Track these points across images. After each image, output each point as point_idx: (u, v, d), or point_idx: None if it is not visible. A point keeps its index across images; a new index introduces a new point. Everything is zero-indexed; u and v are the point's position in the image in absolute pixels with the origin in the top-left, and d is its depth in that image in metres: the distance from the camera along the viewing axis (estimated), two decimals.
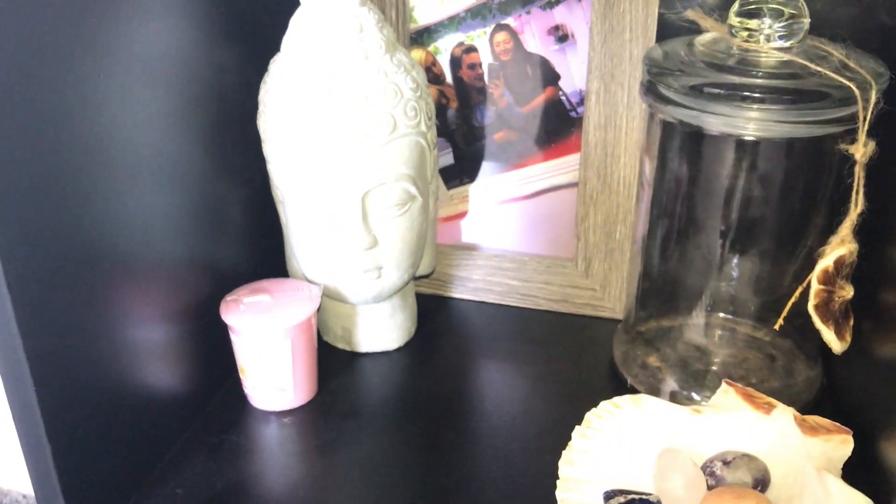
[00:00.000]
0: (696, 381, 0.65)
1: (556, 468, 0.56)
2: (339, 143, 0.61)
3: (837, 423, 0.56)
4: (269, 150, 0.65)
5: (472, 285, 0.79)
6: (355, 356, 0.72)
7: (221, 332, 0.64)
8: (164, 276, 0.60)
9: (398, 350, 0.73)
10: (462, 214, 0.79)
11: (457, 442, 0.63)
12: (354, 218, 0.63)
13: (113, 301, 0.54)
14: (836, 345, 0.58)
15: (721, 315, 0.68)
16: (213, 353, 0.65)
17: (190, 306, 0.63)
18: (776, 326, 0.58)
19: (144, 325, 0.58)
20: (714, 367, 0.66)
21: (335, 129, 0.60)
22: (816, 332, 0.58)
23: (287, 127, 0.62)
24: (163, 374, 0.61)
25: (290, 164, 0.63)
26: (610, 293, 0.75)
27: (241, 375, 0.65)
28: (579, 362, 0.71)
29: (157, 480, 0.59)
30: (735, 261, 0.64)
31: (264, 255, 0.72)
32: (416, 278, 0.75)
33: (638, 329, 0.69)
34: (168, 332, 0.61)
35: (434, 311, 0.78)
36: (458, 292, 0.80)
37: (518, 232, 0.78)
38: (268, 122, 0.63)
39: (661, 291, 0.68)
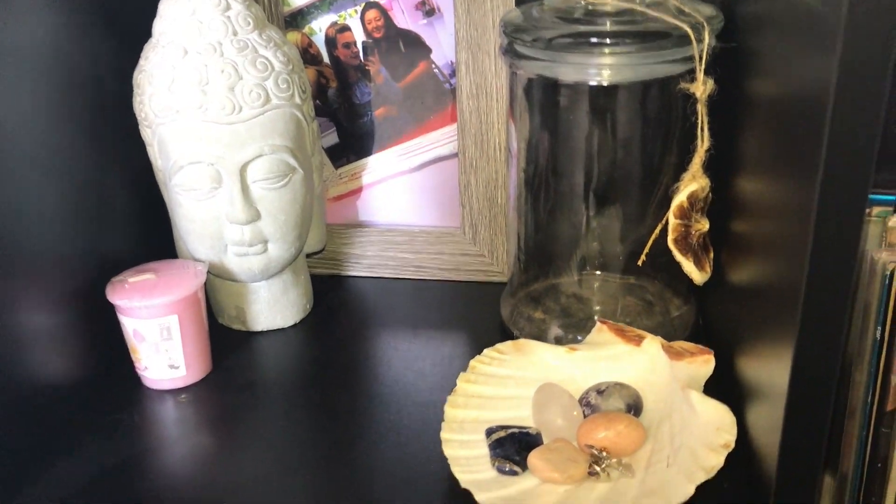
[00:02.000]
0: (577, 327, 0.68)
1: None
2: (213, 118, 0.62)
3: (700, 345, 0.59)
4: (146, 132, 0.66)
5: (366, 262, 0.81)
6: (251, 335, 0.73)
7: (111, 316, 0.65)
8: (48, 263, 0.61)
9: (294, 327, 0.74)
10: (351, 193, 0.81)
11: (351, 403, 0.64)
12: (235, 192, 0.64)
13: None
14: (697, 275, 0.62)
15: (596, 264, 0.71)
16: (103, 337, 0.66)
17: (78, 292, 0.64)
18: (639, 262, 0.61)
19: (30, 312, 0.58)
20: (595, 316, 0.69)
21: (208, 104, 0.62)
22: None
23: (161, 107, 0.63)
24: (51, 360, 0.61)
25: (167, 143, 0.64)
26: (498, 258, 0.78)
27: (133, 356, 0.65)
28: (471, 324, 0.74)
29: (50, 463, 0.58)
30: (600, 209, 0.68)
31: (152, 239, 0.73)
32: (308, 256, 0.76)
33: (523, 288, 0.72)
34: (56, 319, 0.62)
35: (330, 290, 0.79)
36: (354, 270, 0.81)
37: (407, 206, 0.80)
38: (143, 104, 0.65)
39: (540, 249, 0.71)
